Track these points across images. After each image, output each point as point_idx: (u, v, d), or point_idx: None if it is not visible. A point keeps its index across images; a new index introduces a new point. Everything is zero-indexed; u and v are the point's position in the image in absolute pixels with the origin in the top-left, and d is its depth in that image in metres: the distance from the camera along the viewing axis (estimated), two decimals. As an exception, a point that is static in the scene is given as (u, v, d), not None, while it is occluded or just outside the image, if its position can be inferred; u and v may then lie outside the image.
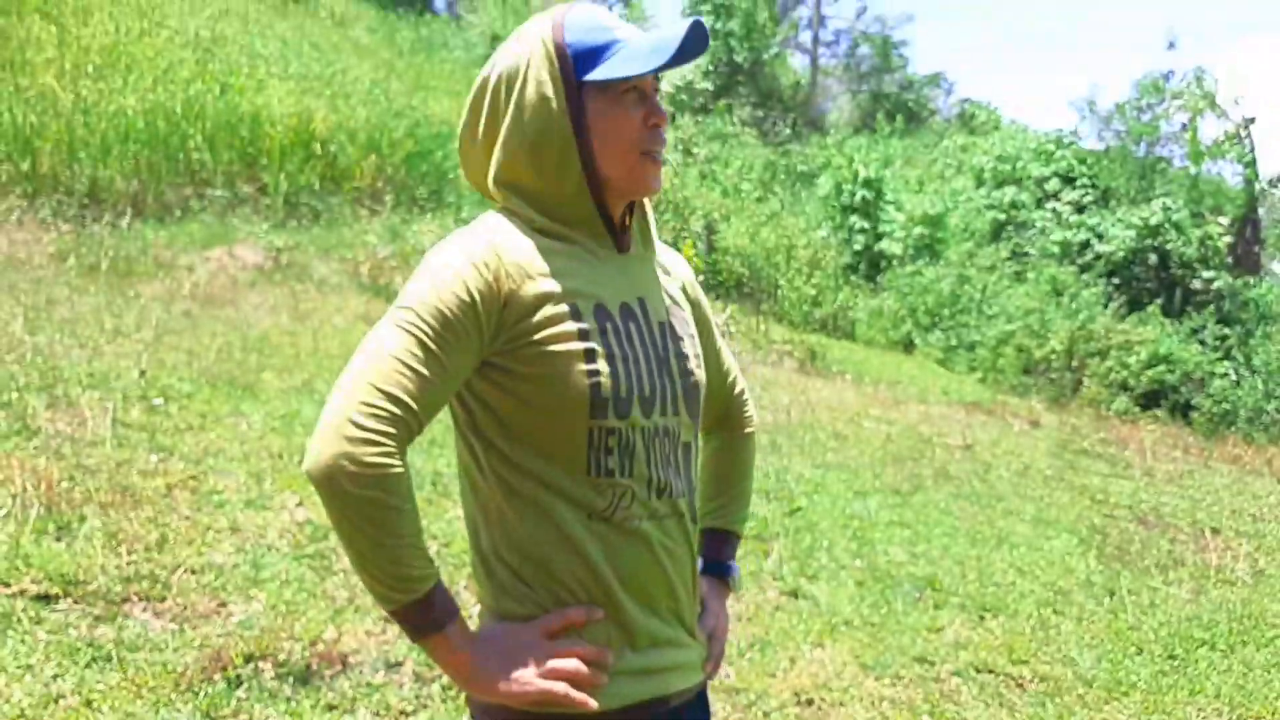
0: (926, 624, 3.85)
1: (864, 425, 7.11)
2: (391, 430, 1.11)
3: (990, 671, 3.55)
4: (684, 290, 1.41)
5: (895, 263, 15.01)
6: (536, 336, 1.18)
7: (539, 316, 1.18)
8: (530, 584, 1.22)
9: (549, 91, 1.22)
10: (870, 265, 15.17)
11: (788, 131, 23.15)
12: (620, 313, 1.24)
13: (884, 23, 28.66)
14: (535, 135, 1.23)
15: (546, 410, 1.19)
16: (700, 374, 1.34)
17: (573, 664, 1.18)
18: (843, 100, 29.12)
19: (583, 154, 1.23)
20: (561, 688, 1.16)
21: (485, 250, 1.19)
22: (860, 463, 6.05)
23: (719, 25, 23.90)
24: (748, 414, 1.57)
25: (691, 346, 1.33)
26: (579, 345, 1.19)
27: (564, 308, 1.19)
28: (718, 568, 1.50)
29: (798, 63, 29.17)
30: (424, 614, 1.15)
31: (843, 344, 11.97)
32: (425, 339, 1.14)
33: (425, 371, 1.14)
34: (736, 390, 1.55)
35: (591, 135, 1.23)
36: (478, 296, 1.16)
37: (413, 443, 1.17)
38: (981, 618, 4.01)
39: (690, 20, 1.21)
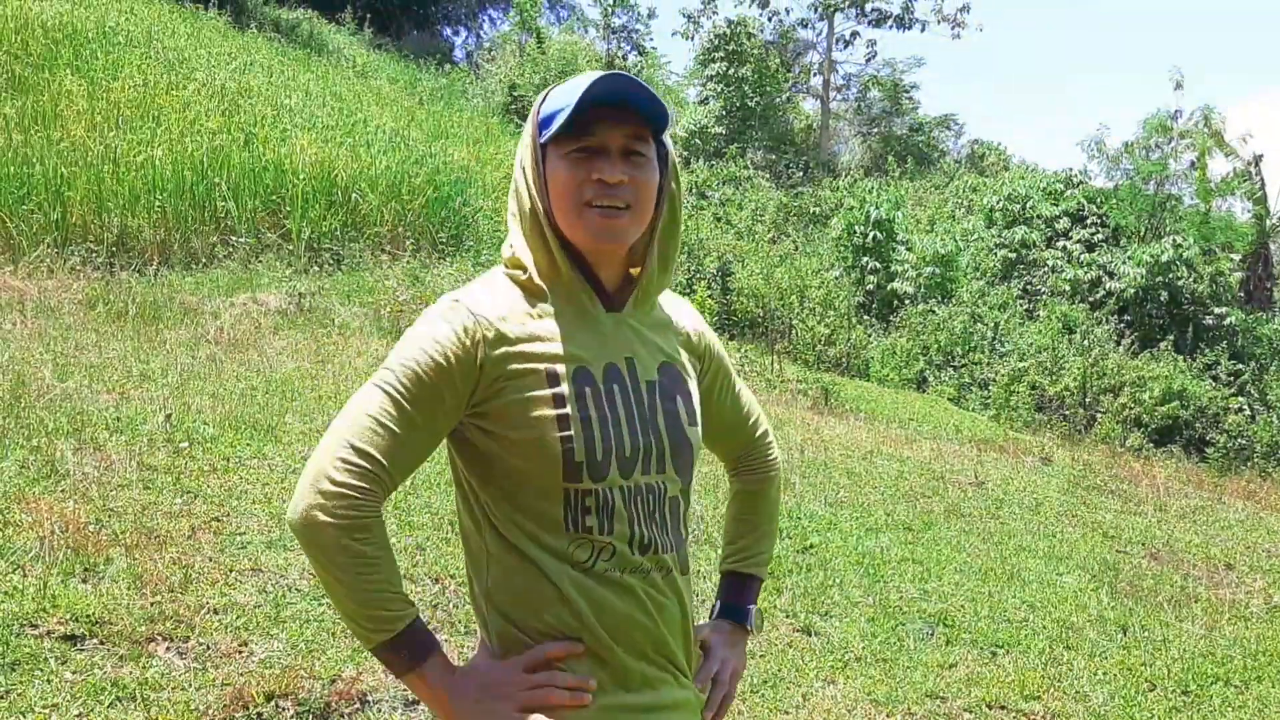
0: (938, 660, 3.87)
1: (876, 463, 7.14)
2: (362, 485, 1.18)
3: (1002, 708, 3.56)
4: (690, 343, 1.43)
5: (907, 302, 15.08)
6: (511, 399, 1.23)
7: (515, 381, 1.23)
8: (521, 628, 1.27)
9: (526, 158, 1.31)
10: (883, 305, 15.24)
11: (800, 174, 23.39)
12: (604, 374, 1.28)
13: (894, 67, 29.00)
14: (519, 199, 1.32)
15: (523, 470, 1.25)
16: (692, 431, 1.35)
17: (549, 694, 1.22)
18: (854, 143, 29.41)
19: (548, 216, 1.28)
20: (537, 718, 1.21)
21: (467, 315, 1.24)
22: (872, 500, 6.08)
23: (731, 71, 24.26)
24: (771, 456, 1.60)
25: (685, 404, 1.35)
26: (552, 411, 1.23)
27: (540, 373, 1.24)
28: (733, 612, 1.52)
29: (809, 107, 29.52)
30: (398, 651, 1.22)
31: (856, 383, 12.00)
32: (400, 399, 1.21)
33: (397, 430, 1.20)
34: (758, 433, 1.58)
35: (551, 197, 1.28)
36: (454, 360, 1.22)
37: (388, 495, 1.24)
38: (993, 654, 4.03)
39: (596, 74, 1.24)
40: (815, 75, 29.41)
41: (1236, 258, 17.11)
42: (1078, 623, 4.49)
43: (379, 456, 1.19)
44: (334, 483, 1.17)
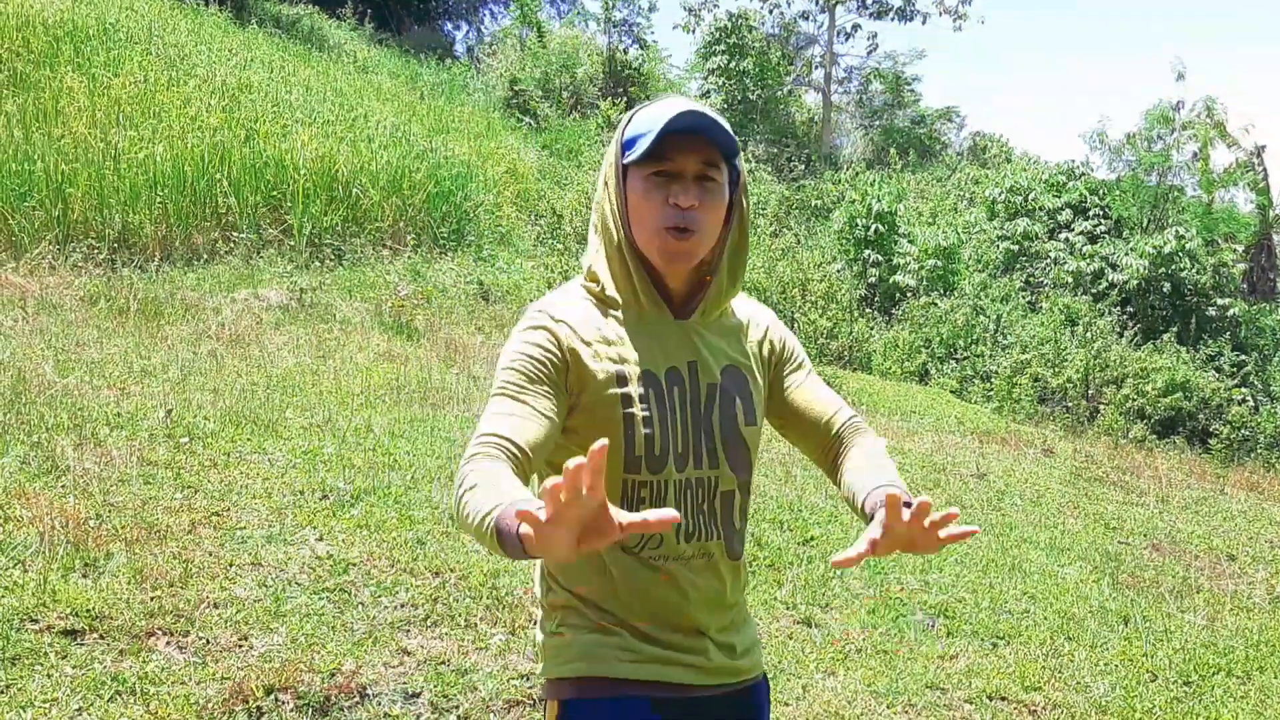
0: (939, 652, 3.87)
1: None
2: (476, 450, 1.26)
3: (1003, 699, 3.56)
4: (765, 344, 1.55)
5: (909, 295, 15.05)
6: (585, 398, 1.38)
7: (589, 381, 1.38)
8: (567, 589, 1.44)
9: (610, 176, 1.44)
10: (885, 298, 15.22)
11: (801, 167, 23.33)
12: (666, 377, 1.42)
13: (895, 60, 28.92)
14: (599, 214, 1.45)
15: None
16: (749, 430, 1.47)
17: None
18: (855, 136, 29.34)
19: (625, 231, 1.42)
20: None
21: (549, 320, 1.40)
22: (874, 493, 6.08)
23: (733, 64, 24.21)
24: (861, 428, 1.58)
25: (744, 404, 1.47)
26: (619, 410, 1.37)
27: (611, 374, 1.38)
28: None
29: (811, 100, 29.45)
30: (506, 542, 1.13)
31: (858, 376, 11.99)
32: (513, 395, 1.34)
33: (515, 414, 1.32)
34: (844, 419, 1.57)
35: (630, 212, 1.41)
36: (547, 355, 1.37)
37: (520, 455, 1.28)
38: (994, 645, 4.03)
39: (678, 110, 1.35)
40: (817, 68, 29.35)
41: (1239, 249, 17.04)
42: (1079, 614, 4.49)
43: (498, 431, 1.29)
44: (464, 460, 1.26)
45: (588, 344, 1.39)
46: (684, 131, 1.35)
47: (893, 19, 27.63)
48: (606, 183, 1.44)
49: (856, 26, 28.47)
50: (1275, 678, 4.01)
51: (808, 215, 19.33)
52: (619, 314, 1.43)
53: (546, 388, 1.35)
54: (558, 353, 1.37)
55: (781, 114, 26.00)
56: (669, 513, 1.01)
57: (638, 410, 1.38)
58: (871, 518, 1.38)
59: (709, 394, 1.44)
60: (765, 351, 1.55)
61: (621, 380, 1.38)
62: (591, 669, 1.41)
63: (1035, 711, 3.51)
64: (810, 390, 1.58)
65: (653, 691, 1.41)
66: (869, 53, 28.98)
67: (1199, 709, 3.64)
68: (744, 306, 1.57)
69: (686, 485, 1.41)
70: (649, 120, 1.39)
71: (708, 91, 24.39)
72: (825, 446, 1.57)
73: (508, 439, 1.27)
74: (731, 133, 1.40)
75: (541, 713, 1.49)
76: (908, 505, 1.25)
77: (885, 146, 24.92)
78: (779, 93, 25.73)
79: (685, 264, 1.42)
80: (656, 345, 1.43)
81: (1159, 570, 5.36)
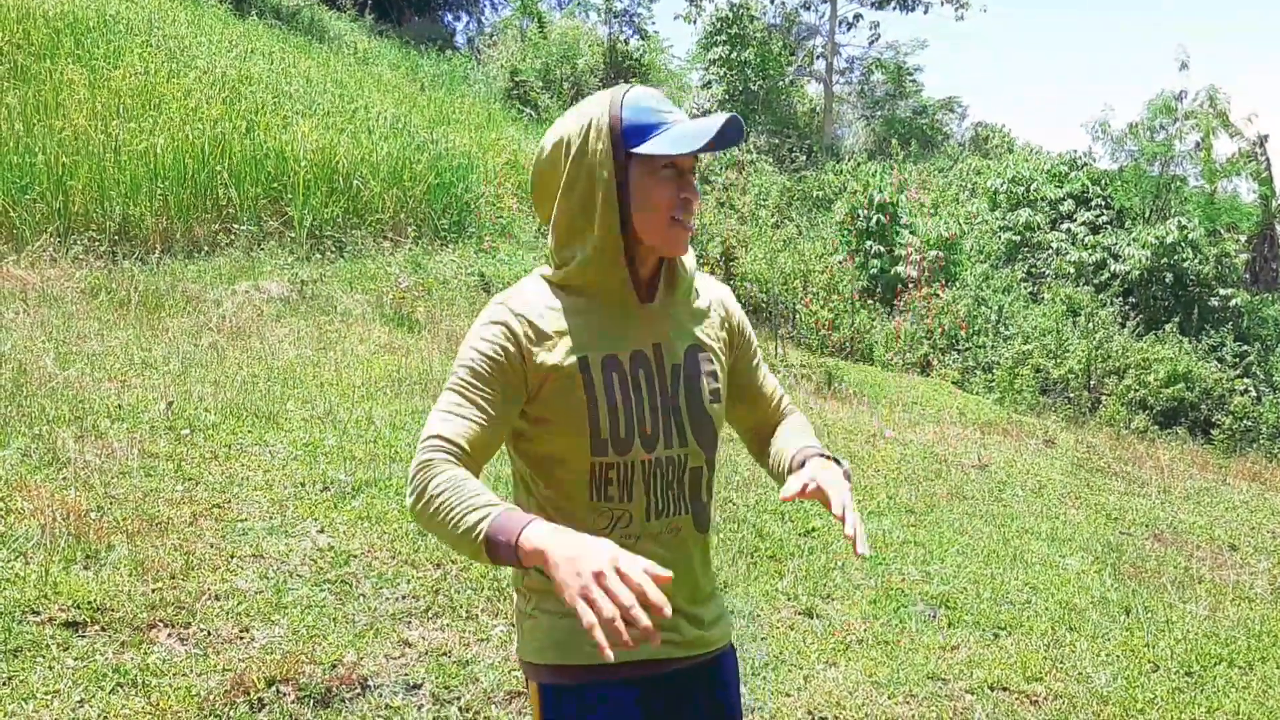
0: (940, 642, 3.87)
1: (879, 446, 7.13)
2: (427, 458, 1.34)
3: (1004, 689, 3.56)
4: (722, 324, 1.61)
5: (911, 286, 15.02)
6: (549, 389, 1.42)
7: (552, 373, 1.42)
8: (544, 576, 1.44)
9: (601, 160, 1.43)
10: (886, 289, 15.18)
11: (803, 158, 23.27)
12: (631, 360, 1.47)
13: (897, 49, 28.82)
14: (585, 197, 1.44)
15: (556, 447, 1.44)
16: (714, 408, 1.54)
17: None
18: (857, 126, 29.27)
19: (622, 216, 1.44)
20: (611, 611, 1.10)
21: (508, 314, 1.44)
22: (875, 483, 6.08)
23: (734, 55, 24.13)
24: (792, 409, 1.75)
25: (708, 383, 1.53)
26: (583, 397, 1.42)
27: (573, 364, 1.43)
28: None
29: (812, 90, 29.36)
30: (497, 553, 1.21)
31: (860, 367, 11.98)
32: (463, 391, 1.40)
33: (463, 415, 1.38)
34: (784, 405, 1.73)
35: (631, 201, 1.44)
36: (502, 353, 1.41)
37: (468, 461, 1.37)
38: (995, 636, 4.03)
39: (727, 115, 1.41)
40: (818, 58, 29.25)
41: (1242, 239, 17.00)
42: (1080, 604, 4.49)
43: (447, 435, 1.36)
44: (416, 462, 1.34)
45: (547, 336, 1.43)
46: (725, 142, 1.41)
47: (894, 8, 27.56)
48: (591, 174, 1.43)
49: (858, 16, 28.40)
50: (1277, 668, 4.01)
51: (809, 206, 19.29)
52: (583, 301, 1.47)
53: (497, 385, 1.40)
54: (514, 348, 1.41)
55: (783, 105, 25.93)
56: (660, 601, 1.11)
57: (600, 395, 1.42)
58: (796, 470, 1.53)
59: (674, 374, 1.49)
60: (726, 334, 1.61)
61: (584, 367, 1.43)
62: (563, 657, 1.47)
63: (1036, 702, 3.51)
64: (760, 376, 1.69)
65: (628, 672, 1.46)
66: (871, 43, 28.91)
67: (1200, 699, 3.64)
68: (705, 286, 1.62)
69: (655, 464, 1.46)
70: (657, 110, 1.44)
71: (709, 82, 24.32)
72: (763, 430, 1.71)
73: (452, 442, 1.35)
74: None
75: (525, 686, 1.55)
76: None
77: (887, 137, 24.83)
78: (780, 83, 25.65)
79: (683, 251, 1.48)
80: (620, 330, 1.47)
81: (1161, 561, 5.36)
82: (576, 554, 1.13)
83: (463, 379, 1.41)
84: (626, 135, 1.43)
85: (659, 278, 1.52)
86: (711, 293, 1.63)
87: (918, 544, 5.02)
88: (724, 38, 24.25)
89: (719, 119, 1.40)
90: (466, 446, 1.36)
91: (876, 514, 5.44)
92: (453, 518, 1.25)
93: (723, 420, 1.58)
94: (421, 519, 1.31)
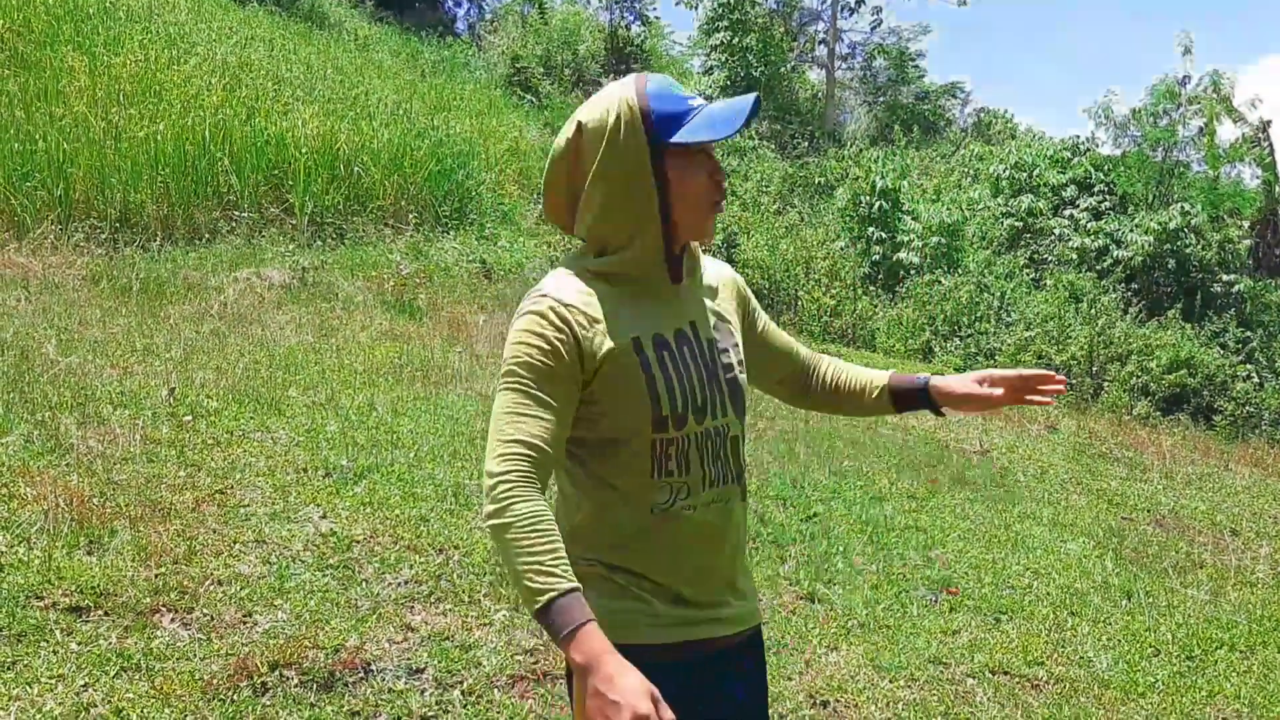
0: (941, 626, 3.88)
1: (881, 432, 7.13)
2: (513, 468, 1.35)
3: (1005, 673, 3.57)
4: (735, 297, 1.67)
5: (913, 272, 14.99)
6: (606, 374, 1.44)
7: (608, 357, 1.44)
8: (599, 560, 1.50)
9: (636, 153, 1.45)
10: (888, 275, 15.15)
11: (805, 144, 23.18)
12: (675, 338, 1.50)
13: (899, 35, 28.66)
14: (623, 190, 1.46)
15: (616, 429, 1.46)
16: (743, 377, 1.60)
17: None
18: (859, 112, 29.13)
19: (661, 206, 1.46)
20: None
21: (555, 304, 1.44)
22: (877, 468, 6.08)
23: (736, 40, 24.01)
24: (812, 353, 1.84)
25: (735, 354, 1.59)
26: (641, 376, 1.45)
27: (628, 344, 1.45)
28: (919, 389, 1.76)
29: (814, 76, 29.21)
30: (548, 623, 1.29)
31: (862, 353, 11.98)
32: (526, 389, 1.40)
33: (532, 414, 1.39)
34: (803, 354, 1.82)
35: (670, 190, 1.46)
36: (556, 342, 1.42)
37: (547, 467, 1.40)
38: (997, 620, 4.03)
39: (753, 95, 1.46)
40: (820, 44, 29.10)
41: (1245, 224, 16.91)
42: (1082, 589, 4.50)
43: (525, 439, 1.37)
44: (492, 475, 1.36)
45: (597, 320, 1.44)
46: (745, 123, 1.45)
47: (897, -7, 27.31)
48: (625, 165, 1.44)
49: (861, 2, 28.21)
50: (1278, 652, 4.02)
51: (811, 193, 19.23)
52: (621, 288, 1.48)
53: (558, 378, 1.41)
54: (568, 337, 1.42)
55: (785, 91, 25.79)
56: None
57: (657, 373, 1.45)
58: (902, 395, 1.75)
59: (710, 347, 1.54)
60: (737, 303, 1.68)
61: (638, 348, 1.45)
62: (615, 636, 1.45)
63: (1037, 685, 3.52)
64: (773, 329, 1.77)
65: (679, 655, 1.49)
66: (873, 28, 28.71)
67: (1201, 683, 3.64)
68: (709, 264, 1.67)
69: (706, 436, 1.50)
70: (681, 97, 1.46)
71: (711, 68, 24.20)
72: (795, 374, 1.79)
73: (532, 446, 1.37)
74: None
75: (566, 678, 1.54)
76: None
77: (889, 123, 24.73)
78: (782, 69, 25.52)
79: (713, 235, 1.55)
80: (660, 310, 1.50)
81: (1162, 546, 5.37)
82: (614, 699, 1.22)
83: (522, 378, 1.40)
84: (659, 124, 1.44)
85: (683, 259, 1.56)
86: (716, 269, 1.68)
87: (920, 529, 5.02)
88: (725, 23, 24.10)
89: (748, 99, 1.44)
90: (546, 447, 1.38)
91: (879, 499, 5.44)
92: (523, 563, 1.29)
93: (749, 388, 1.65)
94: (493, 535, 1.34)
